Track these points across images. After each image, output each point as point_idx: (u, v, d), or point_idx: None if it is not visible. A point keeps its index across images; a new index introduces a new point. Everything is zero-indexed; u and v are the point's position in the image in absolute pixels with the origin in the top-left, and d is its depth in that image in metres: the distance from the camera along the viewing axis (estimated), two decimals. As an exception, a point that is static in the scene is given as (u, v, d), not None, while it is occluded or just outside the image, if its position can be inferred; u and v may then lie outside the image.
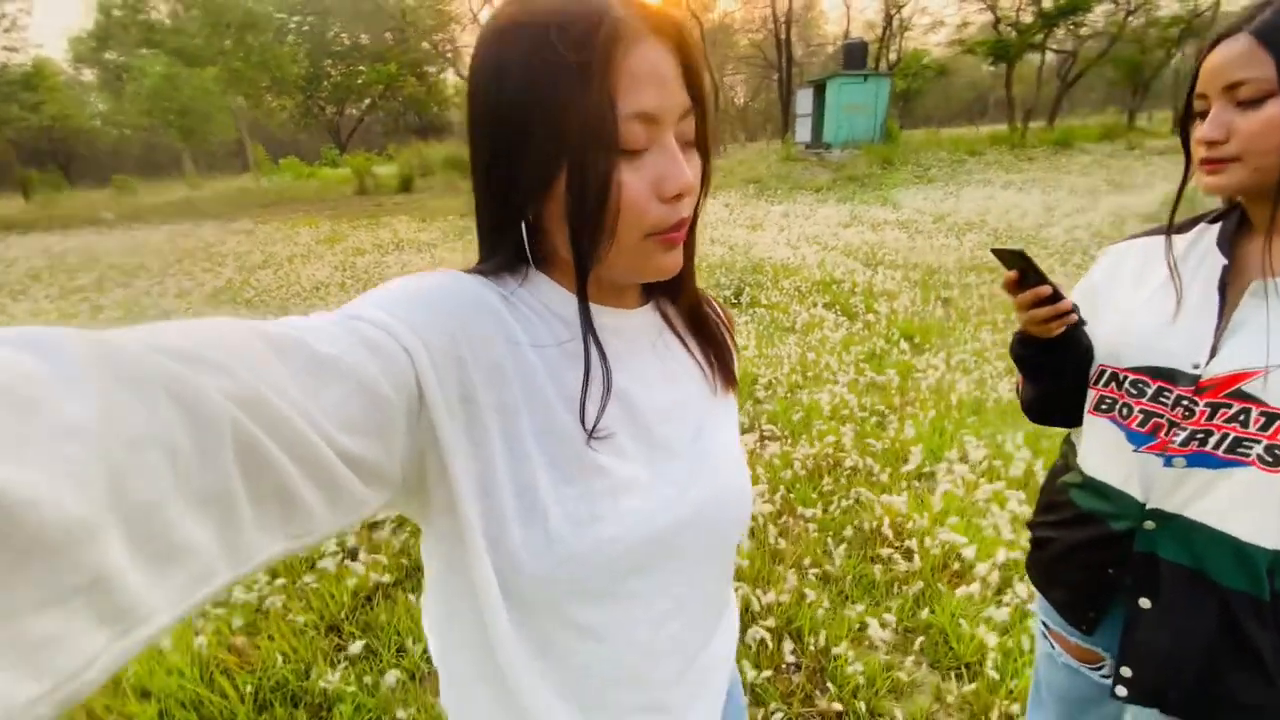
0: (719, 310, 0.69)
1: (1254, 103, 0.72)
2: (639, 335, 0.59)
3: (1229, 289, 0.80)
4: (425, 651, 1.81)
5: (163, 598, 0.26)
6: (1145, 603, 0.85)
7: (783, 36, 28.51)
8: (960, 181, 12.37)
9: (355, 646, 1.80)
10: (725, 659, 0.68)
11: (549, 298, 0.53)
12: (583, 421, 0.50)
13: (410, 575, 2.14)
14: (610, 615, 0.54)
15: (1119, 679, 0.89)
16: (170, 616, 0.27)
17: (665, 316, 0.62)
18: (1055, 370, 0.95)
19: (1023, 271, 0.85)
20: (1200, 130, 0.76)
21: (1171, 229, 0.89)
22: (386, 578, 2.09)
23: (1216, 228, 0.86)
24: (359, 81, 40.28)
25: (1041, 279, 0.84)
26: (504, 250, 0.52)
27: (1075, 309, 0.85)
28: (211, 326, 0.33)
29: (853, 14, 33.92)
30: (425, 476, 0.47)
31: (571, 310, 0.53)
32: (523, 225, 0.51)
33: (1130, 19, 23.27)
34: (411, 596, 2.00)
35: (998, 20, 24.76)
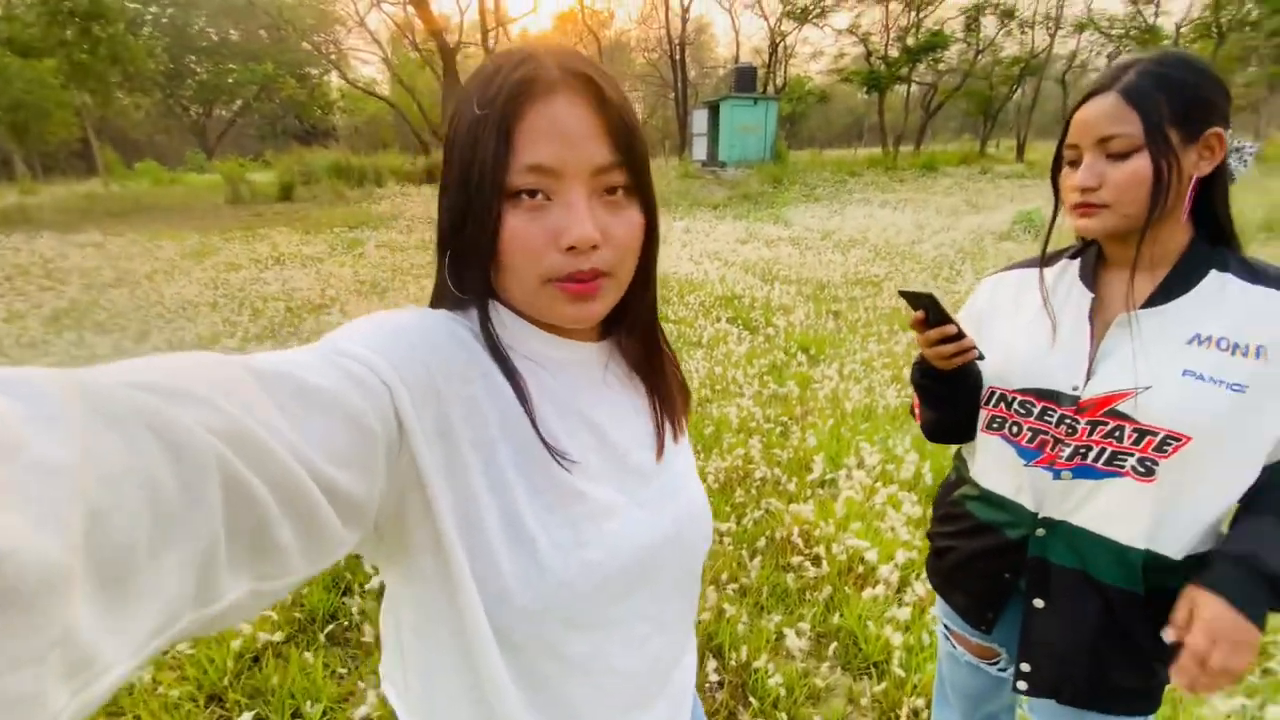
0: (673, 358, 0.69)
1: (1123, 155, 0.80)
2: (595, 367, 0.61)
3: (1096, 318, 0.90)
4: (326, 714, 1.66)
5: (124, 646, 0.25)
6: (1039, 603, 0.93)
7: (677, 58, 29.47)
8: (843, 200, 13.28)
9: (245, 718, 1.61)
10: (691, 674, 0.71)
11: (512, 332, 0.55)
12: (536, 432, 0.51)
13: (304, 629, 1.96)
14: (595, 644, 0.55)
15: (1019, 674, 0.96)
16: (128, 667, 0.25)
17: (620, 352, 0.64)
18: (951, 398, 1.02)
19: (928, 310, 0.90)
20: (1074, 178, 0.85)
21: (1043, 263, 1.00)
22: (277, 635, 1.90)
23: (1078, 262, 0.96)
24: (229, 80, 37.21)
25: (947, 319, 0.90)
26: (445, 283, 0.55)
27: (975, 346, 0.92)
28: (194, 360, 0.32)
29: (741, 40, 35.66)
30: (405, 516, 0.47)
31: (532, 341, 0.55)
32: (446, 258, 0.54)
33: (979, 57, 26.14)
34: (308, 654, 1.83)
35: (869, 53, 26.98)
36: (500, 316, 0.55)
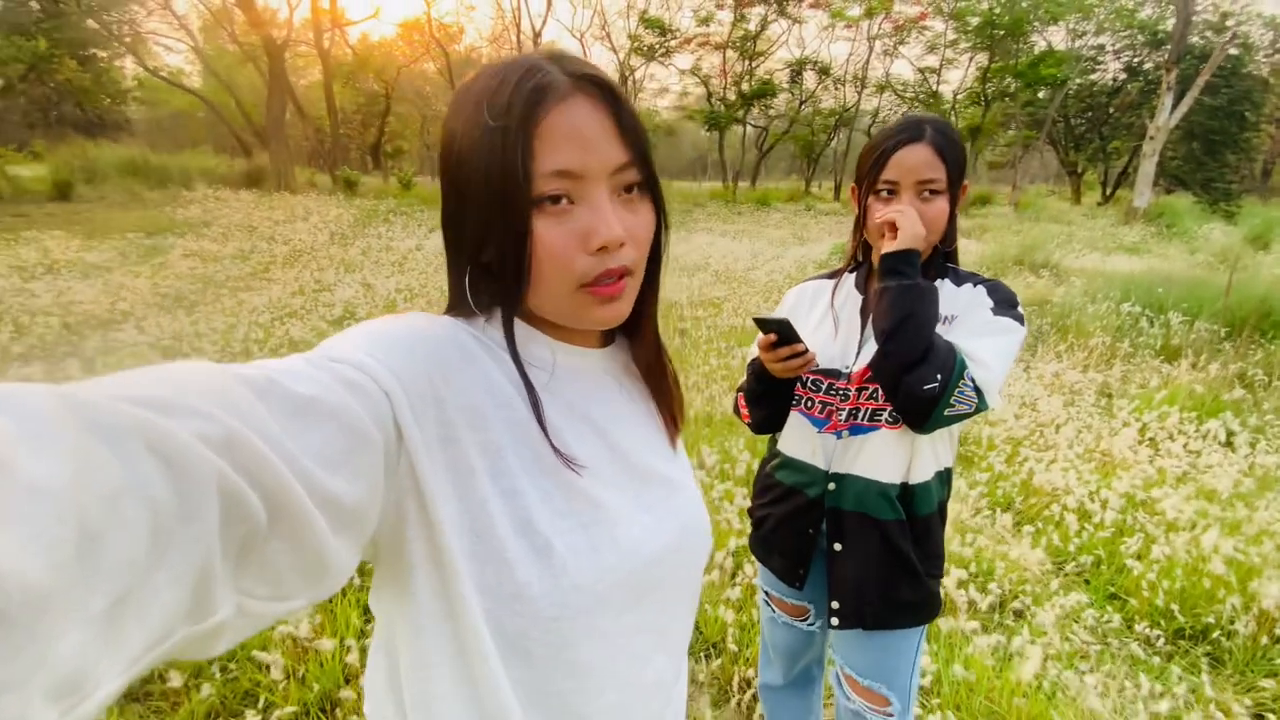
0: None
1: (933, 195, 1.03)
2: (602, 374, 0.60)
3: (865, 314, 1.14)
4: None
5: (115, 663, 0.24)
6: (837, 546, 1.13)
7: (528, 79, 29.43)
8: (690, 228, 14.10)
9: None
10: (684, 693, 0.69)
11: (518, 338, 0.54)
12: (547, 439, 0.51)
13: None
14: (606, 655, 0.53)
15: (831, 613, 1.14)
16: (119, 684, 0.25)
17: (625, 358, 0.64)
18: (782, 396, 1.20)
19: (780, 332, 1.04)
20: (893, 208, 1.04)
21: (836, 274, 1.23)
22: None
23: (854, 275, 1.21)
24: (-16, 55, 30.88)
25: (797, 338, 1.05)
26: (463, 295, 0.55)
27: (815, 356, 1.11)
28: (185, 371, 0.32)
29: (592, 69, 36.58)
30: (402, 528, 0.46)
31: (538, 348, 0.55)
32: (468, 272, 0.53)
33: (803, 107, 29.28)
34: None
35: (710, 94, 29.09)
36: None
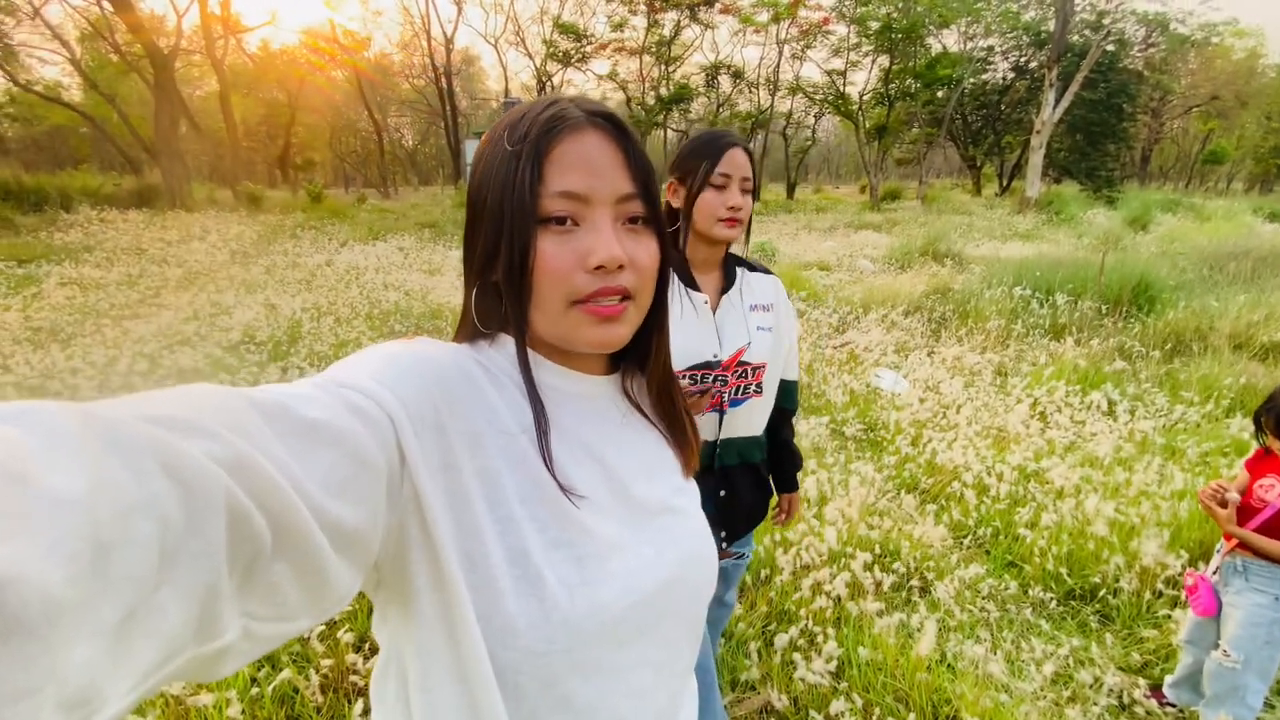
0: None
1: (748, 193, 1.23)
2: (604, 401, 0.61)
3: (715, 302, 1.27)
4: None
5: (124, 680, 0.25)
6: (723, 494, 1.33)
7: (444, 86, 28.94)
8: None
9: None
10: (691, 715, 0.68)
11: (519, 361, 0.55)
12: (548, 468, 0.51)
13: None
14: (600, 692, 0.53)
15: (722, 539, 1.37)
16: (127, 702, 0.25)
17: (631, 387, 0.64)
18: None
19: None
20: (727, 198, 1.21)
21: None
22: None
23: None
24: None
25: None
26: (470, 313, 0.57)
27: None
28: (198, 393, 0.33)
29: (510, 75, 36.28)
30: (406, 553, 0.46)
31: (540, 372, 0.56)
32: (474, 291, 0.56)
33: (720, 110, 29.94)
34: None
35: (629, 99, 29.32)
36: (509, 349, 0.56)
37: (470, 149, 20.96)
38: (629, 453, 0.60)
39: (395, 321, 5.89)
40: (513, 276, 0.51)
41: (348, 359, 0.49)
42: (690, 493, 0.66)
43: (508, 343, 0.56)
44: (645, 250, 0.54)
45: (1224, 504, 1.68)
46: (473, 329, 0.57)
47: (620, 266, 0.52)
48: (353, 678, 1.78)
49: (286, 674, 1.71)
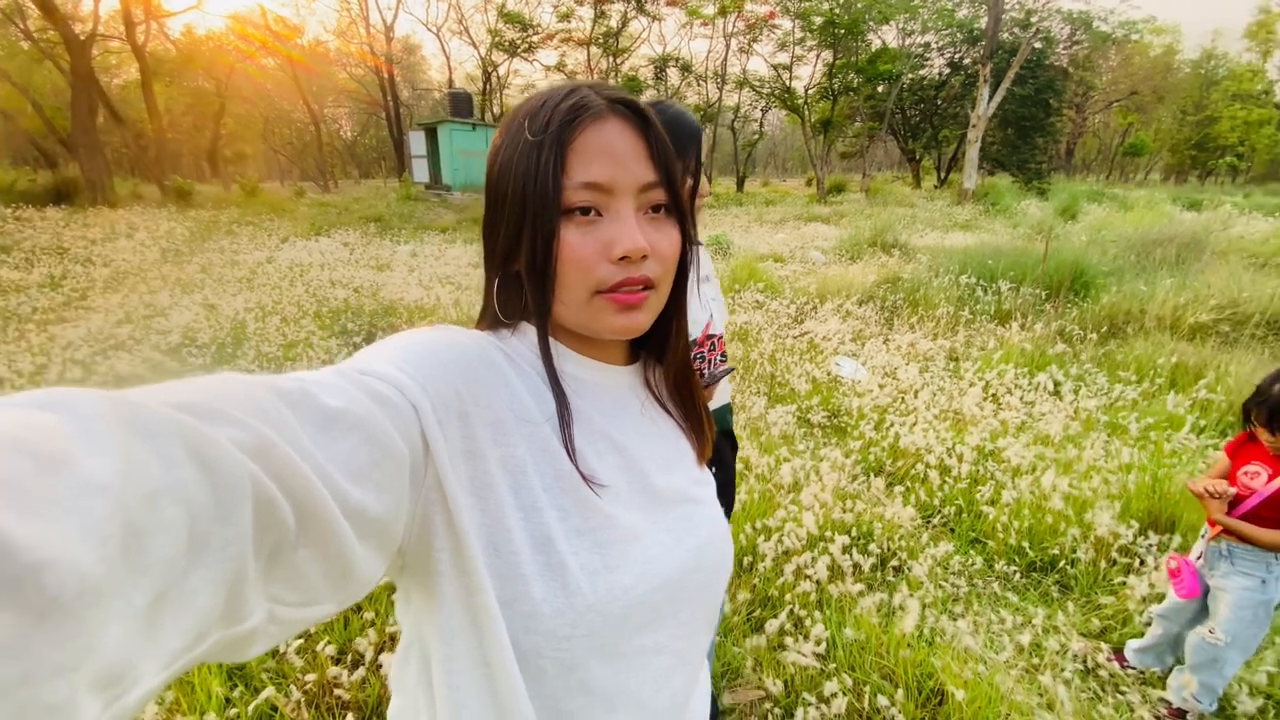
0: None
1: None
2: (624, 390, 0.61)
3: None
4: None
5: (154, 660, 0.26)
6: (713, 468, 1.40)
7: (385, 76, 28.01)
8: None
9: None
10: (705, 706, 0.69)
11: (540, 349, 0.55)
12: (571, 458, 0.52)
13: None
14: (621, 677, 0.54)
15: None
16: (158, 681, 0.26)
17: (651, 377, 0.64)
18: None
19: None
20: None
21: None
22: None
23: None
24: None
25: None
26: (491, 303, 0.57)
27: None
28: (223, 381, 0.33)
29: (454, 65, 35.41)
30: (430, 539, 0.46)
31: (562, 361, 0.56)
32: (496, 280, 0.56)
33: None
34: None
35: (578, 90, 29.03)
36: (530, 338, 0.56)
37: (414, 140, 20.30)
38: (649, 443, 0.61)
39: (346, 320, 5.68)
40: (536, 267, 0.52)
41: (369, 347, 0.49)
42: (706, 482, 0.67)
43: (529, 331, 0.57)
44: (667, 239, 0.55)
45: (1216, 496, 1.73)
46: (494, 318, 0.57)
47: (643, 256, 0.52)
48: (337, 691, 1.72)
49: (270, 692, 1.64)
